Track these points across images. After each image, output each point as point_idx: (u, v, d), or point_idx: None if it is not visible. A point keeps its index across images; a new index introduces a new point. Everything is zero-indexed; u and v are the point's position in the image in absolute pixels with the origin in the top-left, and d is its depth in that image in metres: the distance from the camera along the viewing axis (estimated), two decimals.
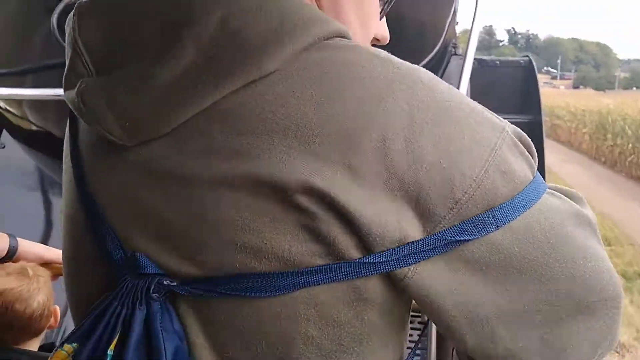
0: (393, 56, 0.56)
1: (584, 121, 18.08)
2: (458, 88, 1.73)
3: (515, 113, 2.17)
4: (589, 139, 17.07)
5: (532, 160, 0.56)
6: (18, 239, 1.18)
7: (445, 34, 1.78)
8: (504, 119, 1.74)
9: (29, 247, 1.22)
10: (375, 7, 0.67)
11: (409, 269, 0.50)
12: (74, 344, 0.52)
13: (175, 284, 0.51)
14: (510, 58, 2.48)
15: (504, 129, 0.54)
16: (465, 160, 0.51)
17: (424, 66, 1.54)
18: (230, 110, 0.50)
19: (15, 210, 1.91)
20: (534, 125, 2.13)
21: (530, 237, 0.52)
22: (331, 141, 0.48)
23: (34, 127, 1.88)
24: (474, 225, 0.51)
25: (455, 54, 2.23)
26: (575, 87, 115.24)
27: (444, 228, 0.50)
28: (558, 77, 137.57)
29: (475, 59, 2.39)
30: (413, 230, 0.50)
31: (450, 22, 1.82)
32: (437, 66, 1.94)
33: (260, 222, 0.49)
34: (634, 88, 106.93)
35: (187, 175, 0.50)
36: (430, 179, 0.50)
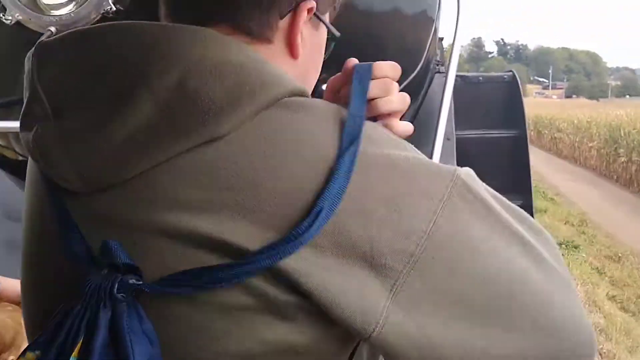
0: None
1: (590, 134, 16.75)
2: (440, 105, 1.79)
3: (501, 128, 2.23)
4: (596, 154, 15.71)
5: (488, 202, 0.56)
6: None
7: (427, 53, 1.83)
8: (489, 134, 1.81)
9: (11, 285, 1.18)
10: (323, 49, 0.71)
11: (374, 326, 0.51)
12: (37, 352, 0.50)
13: (141, 282, 0.50)
14: (494, 74, 2.54)
15: (453, 176, 0.55)
16: (415, 212, 0.52)
17: (406, 86, 1.59)
18: (183, 166, 0.51)
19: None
20: (519, 139, 2.19)
21: (491, 286, 0.53)
22: (280, 202, 0.50)
23: (20, 157, 1.90)
24: (433, 278, 0.52)
25: (439, 72, 2.28)
26: (568, 96, 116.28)
27: (403, 283, 0.51)
28: (550, 87, 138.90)
29: (458, 75, 2.44)
30: (373, 288, 0.51)
31: (431, 42, 1.87)
32: (420, 85, 1.99)
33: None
34: (627, 96, 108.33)
35: (134, 223, 0.52)
36: (382, 236, 0.51)
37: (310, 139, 0.53)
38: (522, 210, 0.61)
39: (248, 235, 0.49)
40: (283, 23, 0.64)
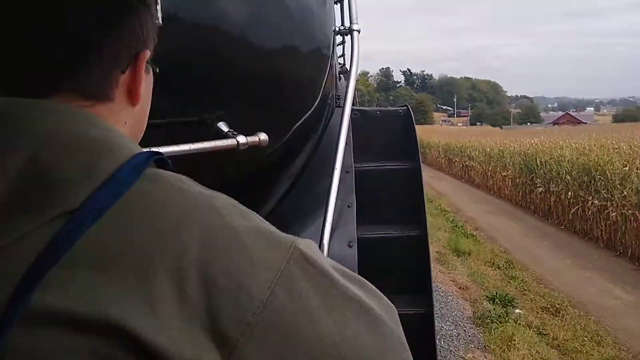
0: (192, 183, 0.62)
1: (503, 163, 16.39)
2: (337, 138, 1.86)
3: (397, 160, 2.35)
4: (511, 183, 15.39)
5: (326, 271, 0.59)
6: None
7: (323, 89, 1.90)
8: (387, 166, 1.91)
9: None
10: (151, 87, 0.76)
11: None
12: None
13: None
14: (391, 108, 2.67)
15: (291, 247, 0.59)
16: (253, 283, 0.55)
17: (304, 121, 1.64)
18: (37, 241, 0.52)
19: None
20: (413, 171, 2.32)
21: (324, 352, 0.56)
22: (128, 271, 0.52)
23: None
24: (268, 346, 0.54)
25: (339, 106, 2.37)
26: (472, 123, 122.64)
27: (240, 352, 0.53)
28: (455, 115, 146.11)
29: (357, 110, 2.55)
30: (211, 356, 0.52)
31: (327, 77, 1.94)
32: (319, 120, 2.06)
33: (56, 353, 0.50)
34: (528, 123, 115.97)
35: None
36: (222, 305, 0.53)
37: (158, 209, 0.57)
38: (361, 279, 0.64)
39: (107, 302, 0.51)
40: (124, 77, 0.69)
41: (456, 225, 11.76)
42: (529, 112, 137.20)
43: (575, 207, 10.86)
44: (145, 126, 0.78)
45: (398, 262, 2.23)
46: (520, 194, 14.55)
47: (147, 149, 0.65)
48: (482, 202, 15.81)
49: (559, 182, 11.86)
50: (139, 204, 0.56)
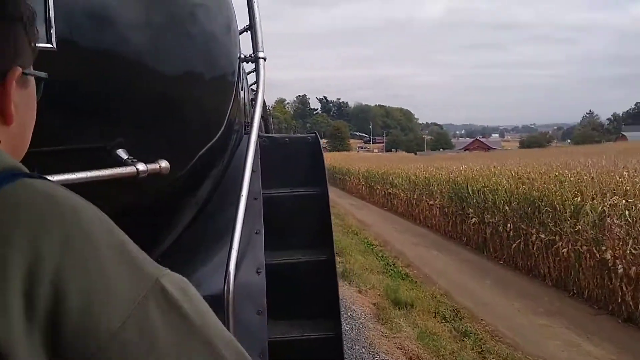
0: (63, 191, 0.61)
1: (429, 191, 15.59)
2: (244, 165, 1.88)
3: (305, 186, 2.40)
4: (439, 212, 14.63)
5: (185, 312, 0.57)
6: None
7: (229, 116, 1.92)
8: (295, 192, 1.95)
9: None
10: (34, 100, 0.75)
11: None
12: None
13: None
14: (299, 135, 2.74)
15: (153, 282, 0.57)
16: (104, 312, 0.53)
17: (209, 148, 1.64)
18: None
19: None
20: (321, 197, 2.38)
21: None
22: None
23: None
24: None
25: (247, 134, 2.40)
26: (388, 150, 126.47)
27: None
28: (371, 142, 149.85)
29: (266, 137, 2.59)
30: None
31: (233, 105, 1.96)
32: (224, 147, 2.07)
33: None
34: (441, 149, 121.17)
35: None
36: (68, 327, 0.52)
37: (21, 216, 0.57)
38: (227, 334, 0.62)
39: None
40: None
41: (387, 263, 10.96)
42: (440, 139, 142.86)
43: (517, 241, 9.93)
44: (27, 143, 0.75)
45: (307, 287, 2.25)
46: (450, 224, 13.76)
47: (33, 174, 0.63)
48: (409, 232, 15.16)
49: (495, 213, 10.97)
50: (5, 211, 0.56)
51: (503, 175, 12.31)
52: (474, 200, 12.20)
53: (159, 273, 0.59)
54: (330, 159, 46.54)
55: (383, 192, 21.93)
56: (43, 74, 0.75)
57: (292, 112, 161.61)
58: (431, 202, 15.36)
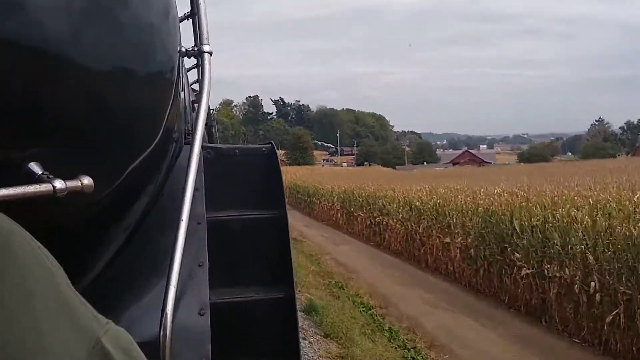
0: None
1: (444, 223, 13.71)
2: (185, 182, 1.88)
3: (257, 208, 2.41)
4: (459, 255, 12.75)
5: None
6: None
7: (166, 123, 1.92)
8: (245, 214, 1.96)
9: None
10: None
11: None
12: None
13: None
14: (251, 146, 2.75)
15: (95, 341, 0.58)
16: None
17: (142, 161, 1.64)
18: None
19: None
20: (278, 221, 2.39)
21: None
22: None
23: None
24: None
25: (189, 143, 2.41)
26: (359, 163, 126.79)
27: None
28: (338, 153, 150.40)
29: (210, 147, 2.58)
30: None
31: (171, 108, 1.96)
32: (160, 159, 2.07)
33: None
34: (425, 163, 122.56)
35: None
36: None
37: None
38: None
39: None
40: None
41: (403, 346, 8.88)
42: (423, 150, 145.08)
43: (614, 312, 7.53)
44: None
45: (261, 331, 2.26)
46: (480, 273, 11.57)
47: None
48: (414, 283, 13.04)
49: (567, 263, 8.64)
50: None
51: (565, 202, 9.98)
52: (524, 242, 9.96)
53: (99, 330, 0.59)
54: (292, 174, 46.81)
55: (368, 222, 19.99)
56: None
57: (241, 117, 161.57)
58: (446, 240, 13.22)
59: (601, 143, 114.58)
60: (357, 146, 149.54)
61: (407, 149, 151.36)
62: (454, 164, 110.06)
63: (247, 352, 2.21)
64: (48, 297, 0.58)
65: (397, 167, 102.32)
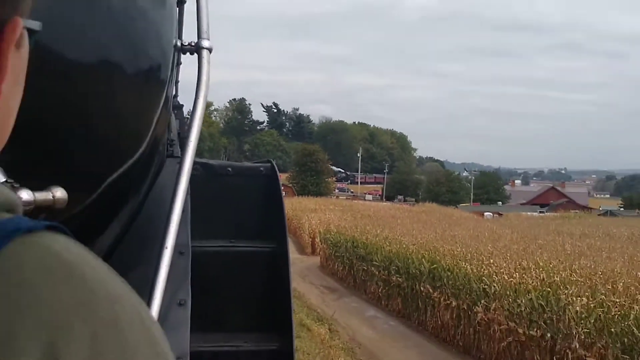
0: (92, 263, 0.69)
1: None
2: (172, 203, 2.00)
3: (254, 239, 2.52)
4: None
5: None
6: None
7: (153, 131, 2.04)
8: (237, 246, 2.16)
9: None
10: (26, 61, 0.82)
11: None
12: None
13: None
14: (247, 164, 2.87)
15: None
16: None
17: (121, 175, 1.77)
18: None
19: None
20: (277, 257, 2.50)
21: None
22: None
23: None
24: None
25: (172, 156, 2.53)
26: (391, 197, 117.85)
27: None
28: (358, 181, 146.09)
29: (201, 163, 2.70)
30: None
31: (160, 116, 2.08)
32: (142, 174, 2.18)
33: None
34: (499, 203, 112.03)
35: None
36: None
37: (36, 300, 0.62)
38: None
39: None
40: None
41: None
42: (487, 185, 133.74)
43: None
44: (11, 125, 0.83)
45: None
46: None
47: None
48: None
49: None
50: (1, 285, 0.62)
51: None
52: None
53: None
54: (315, 214, 39.85)
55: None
56: (36, 25, 0.80)
57: (222, 125, 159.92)
58: None
59: None
60: (387, 172, 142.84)
61: (468, 177, 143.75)
62: (542, 206, 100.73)
63: None
64: (134, 324, 0.67)
65: (458, 206, 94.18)
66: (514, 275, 13.96)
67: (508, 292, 13.44)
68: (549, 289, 12.38)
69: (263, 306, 2.51)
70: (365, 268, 22.30)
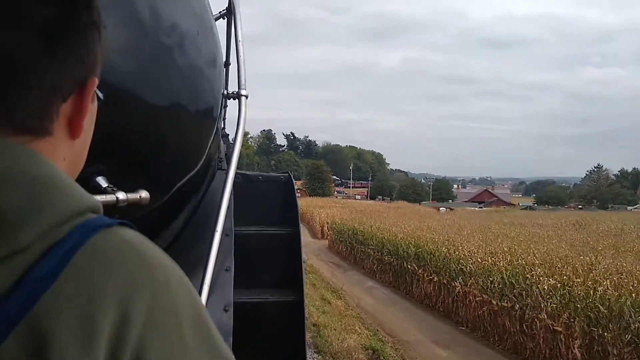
0: (151, 246, 0.67)
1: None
2: (220, 201, 2.02)
3: (277, 225, 2.57)
4: None
5: None
6: None
7: (208, 151, 2.07)
8: (267, 230, 2.17)
9: None
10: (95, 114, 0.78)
11: None
12: None
13: None
14: (273, 174, 2.90)
15: None
16: None
17: (187, 181, 1.79)
18: None
19: None
20: (292, 237, 2.54)
21: None
22: (73, 334, 0.57)
23: None
24: None
25: (221, 169, 2.56)
26: (373, 197, 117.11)
27: None
28: (351, 186, 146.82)
29: (240, 173, 2.74)
30: None
31: (212, 141, 2.12)
32: (201, 181, 2.22)
33: None
34: (450, 201, 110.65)
35: None
36: None
37: (109, 271, 0.62)
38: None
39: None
40: (65, 107, 0.68)
41: None
42: (441, 188, 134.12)
43: None
44: (84, 161, 0.78)
45: (273, 328, 2.38)
46: None
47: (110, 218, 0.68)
48: None
49: None
50: (89, 262, 0.61)
51: None
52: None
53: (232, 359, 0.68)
54: (318, 208, 39.02)
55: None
56: (101, 95, 0.78)
57: (255, 148, 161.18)
58: None
59: (605, 190, 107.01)
60: (371, 180, 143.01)
61: (427, 183, 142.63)
62: (480, 204, 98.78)
63: (260, 348, 2.33)
64: (196, 325, 0.65)
65: (421, 203, 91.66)
66: (487, 258, 12.69)
67: (481, 271, 12.14)
68: (516, 270, 11.14)
69: (282, 271, 2.54)
70: (363, 250, 21.12)
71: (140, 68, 1.61)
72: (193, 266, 2.10)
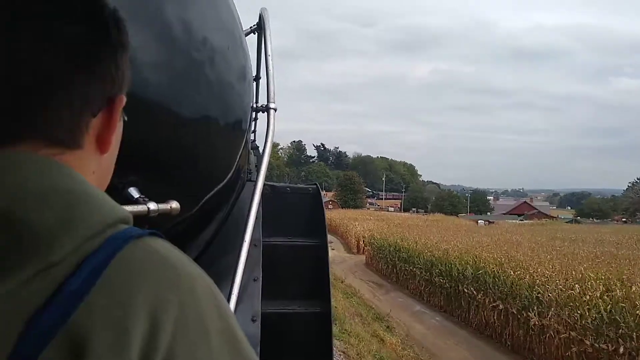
0: (178, 255, 0.69)
1: None
2: (248, 212, 2.06)
3: (304, 237, 2.60)
4: None
5: None
6: None
7: (238, 162, 2.12)
8: (294, 242, 2.22)
9: None
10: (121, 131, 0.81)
11: None
12: None
13: None
14: (301, 185, 2.94)
15: None
16: None
17: (217, 192, 1.84)
18: (25, 295, 0.59)
19: None
20: (320, 249, 2.57)
21: None
22: (106, 344, 0.59)
23: None
24: None
25: (250, 180, 2.60)
26: (407, 209, 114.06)
27: None
28: (383, 197, 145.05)
29: (268, 185, 2.78)
30: None
31: (242, 153, 2.16)
32: (230, 192, 2.26)
33: None
34: (488, 213, 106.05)
35: None
36: None
37: (139, 281, 0.64)
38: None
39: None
40: (95, 122, 0.71)
41: None
42: (477, 200, 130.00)
43: None
44: (110, 176, 0.82)
45: (300, 338, 2.41)
46: None
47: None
48: None
49: None
50: (121, 274, 0.63)
51: None
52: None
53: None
54: (353, 221, 36.24)
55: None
56: (125, 116, 0.81)
57: (285, 159, 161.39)
58: None
59: None
60: (405, 191, 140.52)
61: (466, 195, 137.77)
62: (520, 217, 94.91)
63: (288, 357, 2.36)
64: (222, 333, 0.66)
65: (459, 215, 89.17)
66: (573, 286, 10.45)
67: (567, 302, 10.13)
68: (622, 304, 9.07)
69: (310, 282, 2.56)
70: (407, 268, 19.35)
71: (172, 82, 1.65)
72: (221, 276, 2.14)
